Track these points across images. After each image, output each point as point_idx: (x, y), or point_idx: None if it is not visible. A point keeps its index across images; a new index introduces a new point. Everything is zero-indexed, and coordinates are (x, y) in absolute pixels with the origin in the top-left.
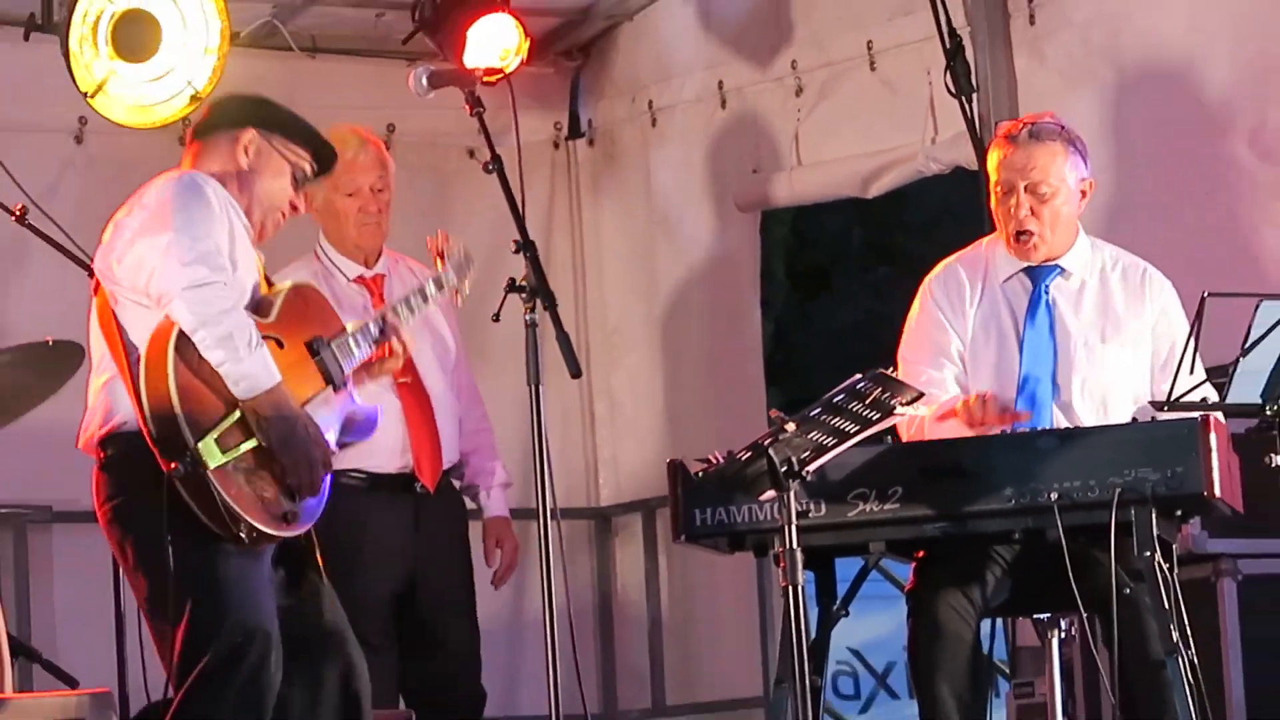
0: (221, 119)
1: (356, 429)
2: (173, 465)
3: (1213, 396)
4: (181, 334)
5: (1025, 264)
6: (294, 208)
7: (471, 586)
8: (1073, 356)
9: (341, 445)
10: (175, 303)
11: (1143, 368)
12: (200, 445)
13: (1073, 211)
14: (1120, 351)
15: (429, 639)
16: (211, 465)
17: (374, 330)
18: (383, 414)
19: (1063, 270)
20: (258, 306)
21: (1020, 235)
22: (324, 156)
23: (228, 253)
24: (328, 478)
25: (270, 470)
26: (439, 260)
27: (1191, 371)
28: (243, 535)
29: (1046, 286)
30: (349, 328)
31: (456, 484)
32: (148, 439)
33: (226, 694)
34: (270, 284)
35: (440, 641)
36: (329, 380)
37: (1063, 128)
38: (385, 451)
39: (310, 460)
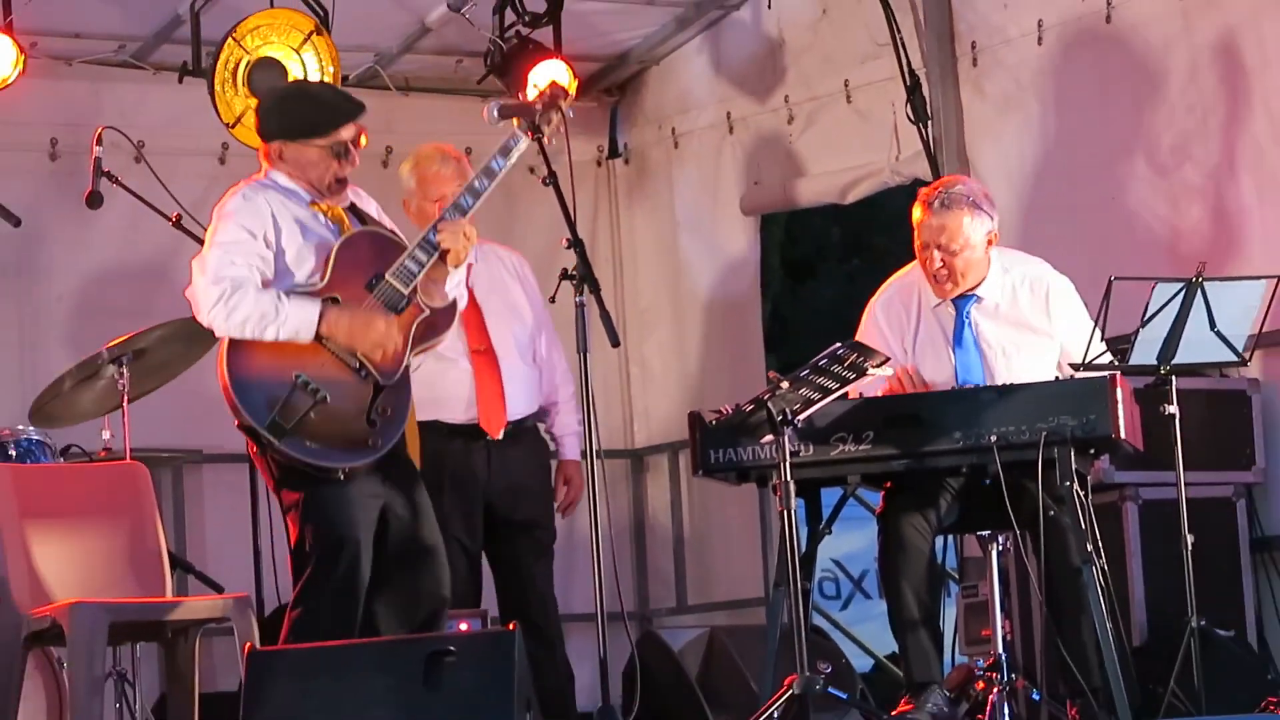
0: (261, 131)
1: (434, 330)
2: (254, 449)
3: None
4: (229, 343)
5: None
6: (343, 169)
7: (543, 510)
8: (994, 365)
9: (428, 347)
10: (213, 324)
11: (1055, 354)
12: (265, 428)
13: (981, 256)
14: (1033, 351)
15: (503, 554)
16: (279, 441)
17: (431, 238)
18: (458, 376)
19: (979, 298)
20: (322, 269)
21: (936, 279)
22: (349, 115)
23: (264, 239)
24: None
25: (342, 412)
26: (516, 121)
27: (1103, 340)
28: (340, 475)
29: (967, 312)
30: (408, 251)
31: (542, 428)
32: (241, 432)
33: (325, 591)
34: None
35: (512, 556)
36: (390, 307)
37: (968, 195)
38: (454, 404)
39: (374, 341)
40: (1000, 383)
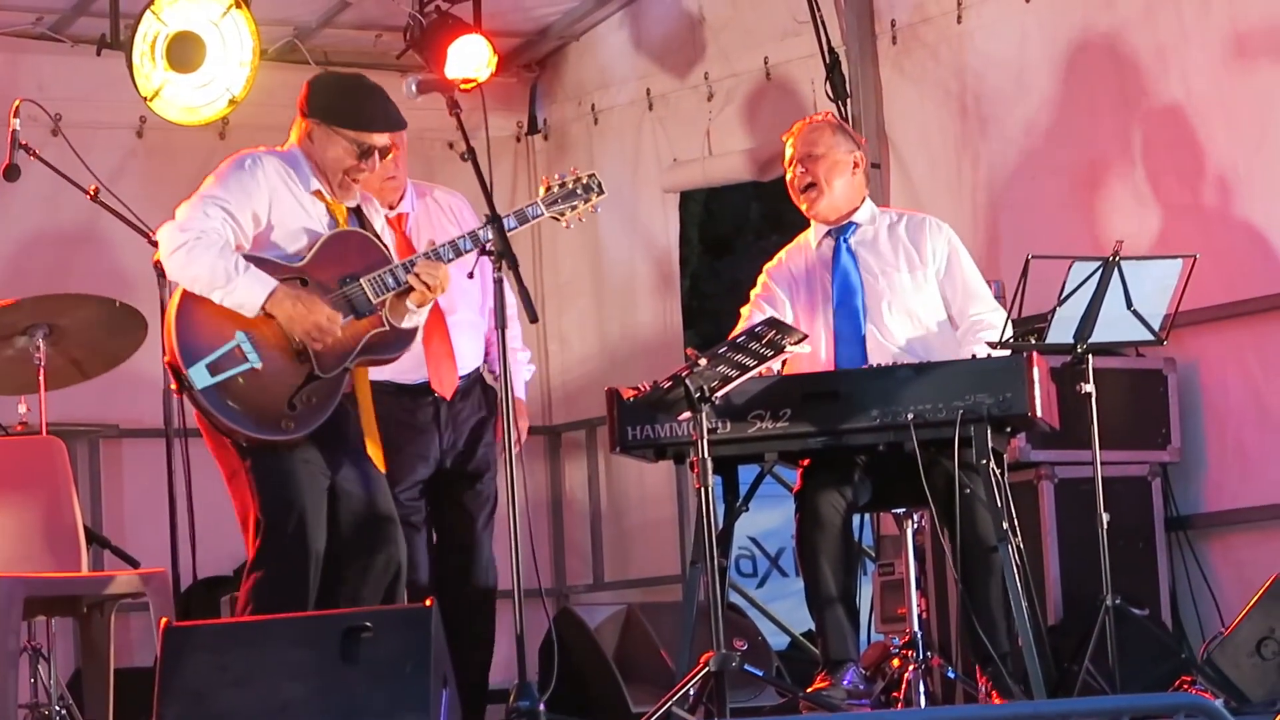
0: (302, 102)
1: (386, 346)
2: (173, 386)
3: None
4: (185, 291)
5: (828, 227)
6: (360, 170)
7: (491, 461)
8: (876, 285)
9: (374, 361)
10: (168, 269)
11: (934, 291)
12: (190, 370)
13: (848, 177)
14: (914, 275)
15: (449, 513)
16: (198, 386)
17: (400, 270)
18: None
19: (856, 225)
20: (306, 251)
21: (802, 192)
22: (389, 124)
23: (250, 211)
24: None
25: (268, 386)
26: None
27: (1018, 318)
28: (242, 443)
29: (846, 239)
30: (390, 265)
31: (489, 379)
32: (166, 367)
33: (277, 555)
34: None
35: (459, 515)
36: (354, 308)
37: (830, 118)
38: (403, 363)
39: (309, 328)
40: (885, 303)
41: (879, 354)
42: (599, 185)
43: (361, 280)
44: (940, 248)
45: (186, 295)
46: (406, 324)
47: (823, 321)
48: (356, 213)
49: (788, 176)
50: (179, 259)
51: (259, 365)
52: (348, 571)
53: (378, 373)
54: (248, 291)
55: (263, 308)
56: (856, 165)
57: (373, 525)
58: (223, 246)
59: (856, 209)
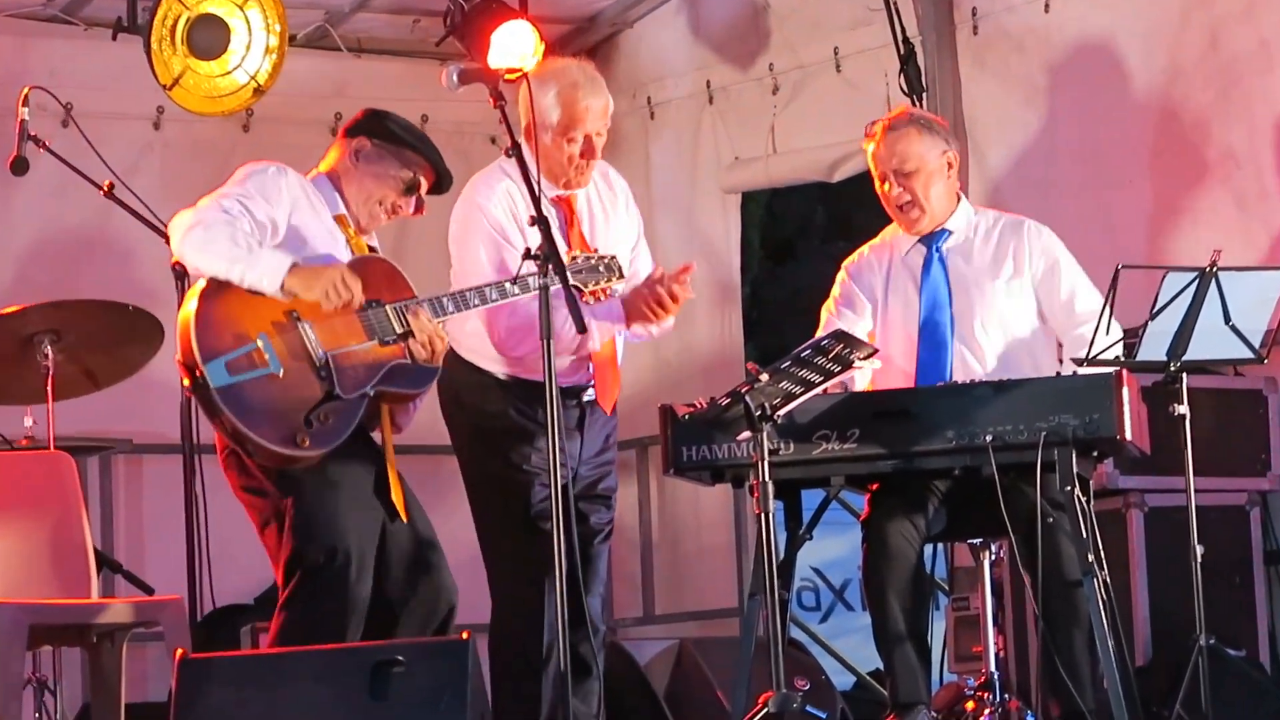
0: (352, 125)
1: (408, 379)
2: (185, 382)
3: (1122, 354)
4: (207, 285)
5: (919, 236)
6: (395, 209)
7: (614, 488)
8: (968, 298)
9: (395, 395)
10: (184, 253)
11: (1030, 301)
12: (207, 367)
13: (943, 182)
14: (1010, 285)
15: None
16: (214, 385)
17: (444, 301)
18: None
19: (949, 232)
20: None
21: (900, 209)
22: (440, 175)
23: (268, 217)
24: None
25: (286, 397)
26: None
27: (1108, 332)
28: (250, 452)
29: (938, 246)
30: (419, 300)
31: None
32: (179, 366)
33: (313, 606)
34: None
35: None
36: (375, 333)
37: (913, 115)
38: (562, 365)
39: (328, 284)
40: (977, 319)
41: (966, 376)
42: (619, 269)
43: (387, 307)
44: (1039, 255)
45: (206, 291)
46: (428, 363)
47: (904, 335)
48: (372, 252)
49: (880, 190)
50: (196, 237)
51: (279, 372)
52: (401, 613)
53: (522, 370)
54: (270, 263)
55: (284, 280)
56: (950, 166)
57: (420, 556)
58: (241, 229)
59: (952, 213)
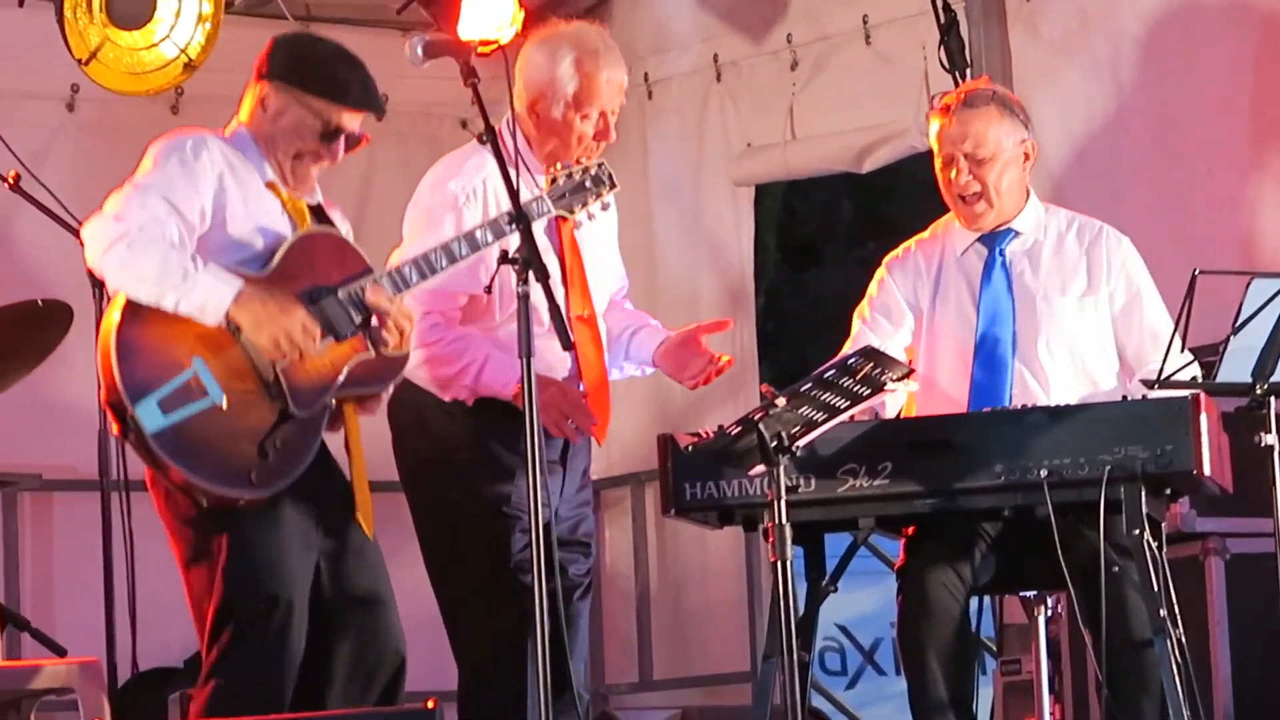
0: (262, 66)
1: (373, 378)
2: (114, 429)
3: (1199, 376)
4: (127, 303)
5: (979, 233)
6: (318, 155)
7: (591, 537)
8: (1033, 312)
9: (360, 395)
10: (104, 271)
11: (1103, 322)
12: (138, 408)
13: (1017, 174)
14: (1082, 302)
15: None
16: (149, 429)
17: (406, 273)
18: (557, 354)
19: (1016, 232)
20: (265, 259)
21: (964, 199)
22: (366, 108)
23: (198, 208)
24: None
25: (233, 427)
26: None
27: (1183, 349)
28: (201, 501)
29: (1002, 249)
30: (375, 274)
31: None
32: (105, 407)
33: (250, 662)
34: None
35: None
36: (330, 329)
37: (995, 92)
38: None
39: (280, 331)
40: (1042, 338)
41: (1026, 402)
42: (609, 177)
43: (339, 292)
44: (1117, 273)
45: (127, 314)
46: (396, 351)
47: (954, 351)
48: (318, 212)
49: (943, 174)
50: (117, 254)
51: (222, 402)
52: (336, 667)
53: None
54: (210, 290)
55: (229, 311)
56: (1027, 157)
57: (366, 611)
58: (171, 242)
59: (1020, 210)
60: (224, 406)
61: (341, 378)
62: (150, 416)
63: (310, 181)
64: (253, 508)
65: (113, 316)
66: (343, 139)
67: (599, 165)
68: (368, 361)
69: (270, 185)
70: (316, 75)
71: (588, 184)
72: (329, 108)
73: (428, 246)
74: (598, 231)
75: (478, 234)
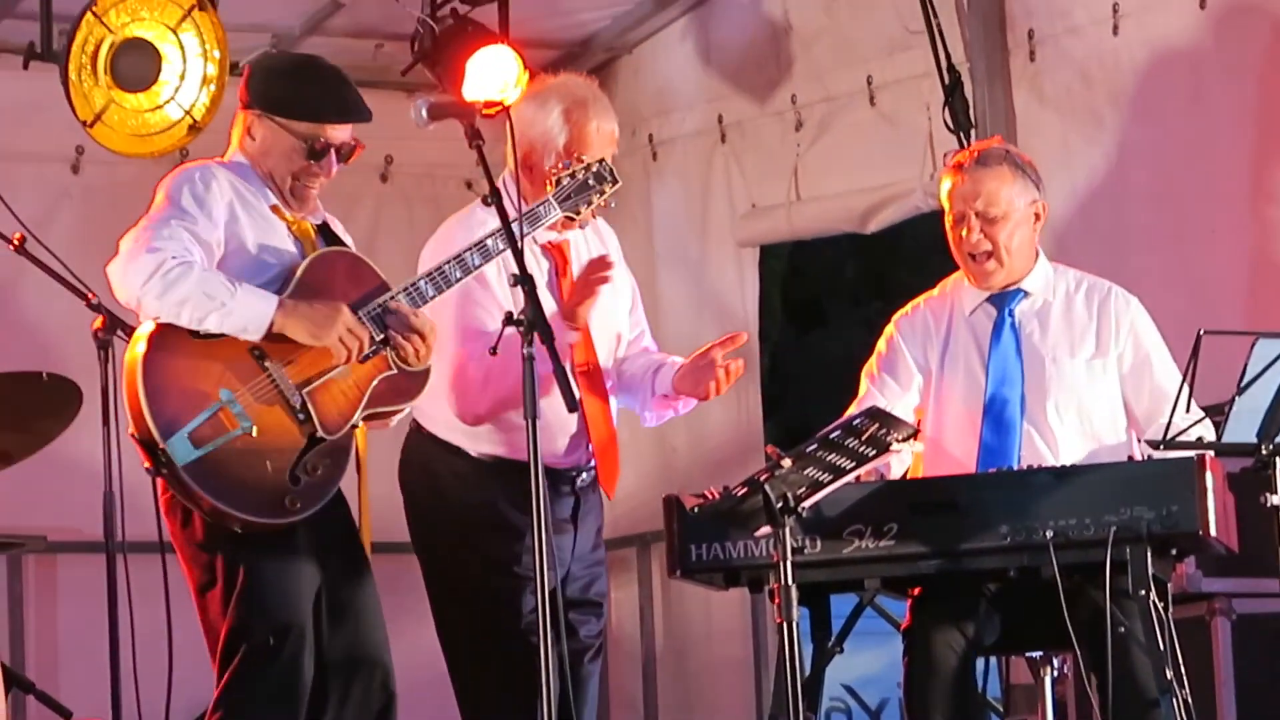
0: (243, 95)
1: (395, 395)
2: (148, 465)
3: (1209, 434)
4: (151, 337)
5: (988, 293)
6: (313, 174)
7: (606, 592)
8: (1042, 374)
9: (380, 415)
10: (142, 303)
11: (1111, 385)
12: (169, 443)
13: (1028, 234)
14: (1091, 365)
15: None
16: (180, 462)
17: (423, 286)
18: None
19: (1026, 293)
20: (281, 283)
21: (974, 258)
22: (348, 114)
23: (216, 236)
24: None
25: (264, 456)
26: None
27: (1188, 410)
28: (235, 529)
29: (1011, 310)
30: (393, 292)
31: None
32: (134, 442)
33: (259, 691)
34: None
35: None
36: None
37: (1008, 151)
38: (558, 440)
39: (341, 332)
40: (1051, 401)
41: (1035, 464)
42: (611, 173)
43: (360, 313)
44: (1125, 335)
45: (152, 348)
46: (418, 366)
47: (963, 412)
48: (324, 231)
49: (954, 232)
50: (156, 285)
51: (252, 430)
52: (332, 698)
53: (507, 449)
54: (251, 307)
55: (272, 323)
56: (1037, 217)
57: (364, 642)
58: (203, 266)
59: (1029, 271)
60: (254, 434)
61: (366, 398)
62: (182, 450)
63: (312, 202)
64: (269, 534)
65: (136, 351)
66: (333, 153)
67: (600, 162)
68: (390, 379)
69: (274, 209)
70: (291, 99)
71: (590, 182)
72: (310, 129)
73: (444, 334)
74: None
75: (489, 243)
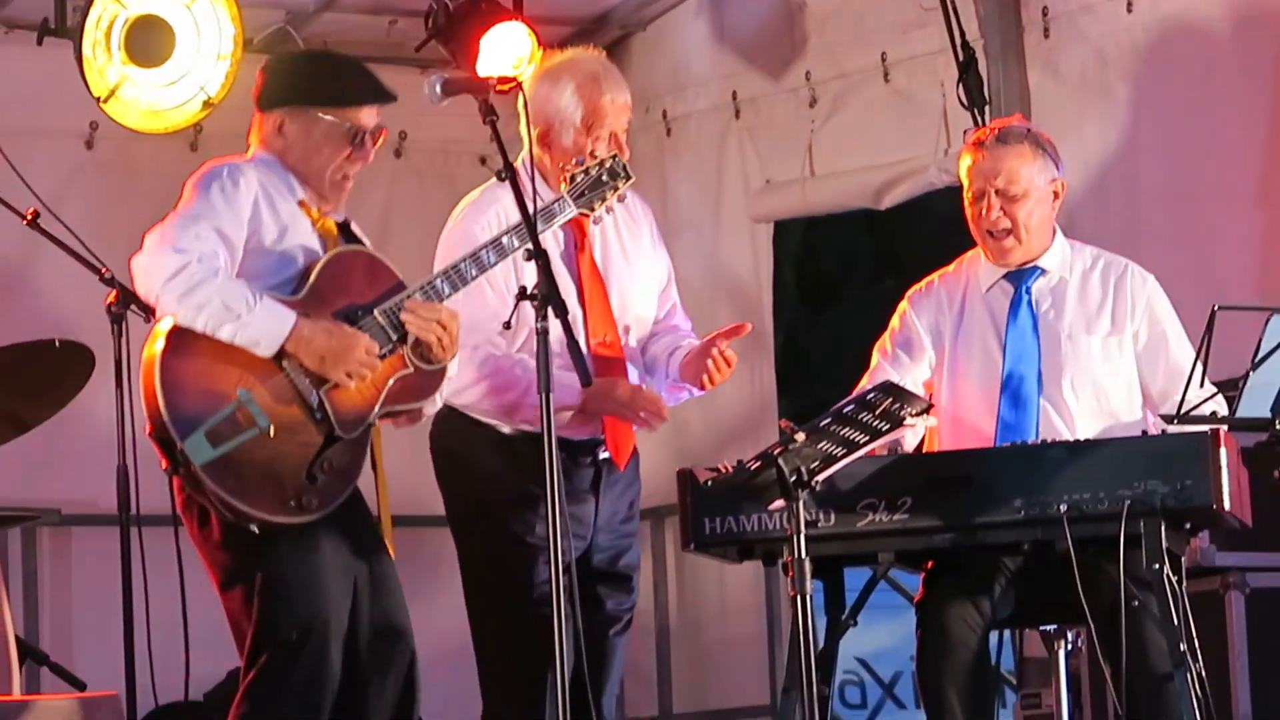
0: (262, 97)
1: (412, 393)
2: (166, 465)
3: (1222, 409)
4: (170, 335)
5: (1005, 270)
6: (353, 162)
7: (637, 566)
8: (1058, 352)
9: (398, 414)
10: (162, 302)
11: (1127, 362)
12: (186, 443)
13: (1046, 213)
14: (1107, 342)
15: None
16: (198, 462)
17: (439, 285)
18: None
19: (1043, 270)
20: (298, 282)
21: (993, 235)
22: (377, 96)
23: (244, 234)
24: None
25: (281, 455)
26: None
27: (1201, 385)
28: (253, 528)
29: (1028, 287)
30: (408, 291)
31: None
32: (152, 441)
33: (286, 685)
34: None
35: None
36: None
37: (1029, 130)
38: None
39: (352, 366)
40: (1067, 377)
41: (1052, 439)
42: (624, 169)
43: (376, 312)
44: (1142, 309)
45: (169, 347)
46: (443, 359)
47: (978, 389)
48: (344, 229)
49: (972, 209)
50: (179, 285)
51: (269, 430)
52: (367, 691)
53: (529, 424)
54: (266, 324)
55: (285, 344)
56: (1056, 195)
57: (390, 635)
58: (228, 272)
59: (1047, 248)
60: (271, 434)
61: (383, 397)
62: (199, 449)
63: (347, 193)
64: (284, 530)
65: (154, 348)
66: (368, 138)
67: (613, 158)
68: (406, 378)
69: (302, 204)
70: (328, 89)
71: (604, 178)
72: (348, 113)
73: (465, 320)
74: (631, 255)
75: (504, 240)
